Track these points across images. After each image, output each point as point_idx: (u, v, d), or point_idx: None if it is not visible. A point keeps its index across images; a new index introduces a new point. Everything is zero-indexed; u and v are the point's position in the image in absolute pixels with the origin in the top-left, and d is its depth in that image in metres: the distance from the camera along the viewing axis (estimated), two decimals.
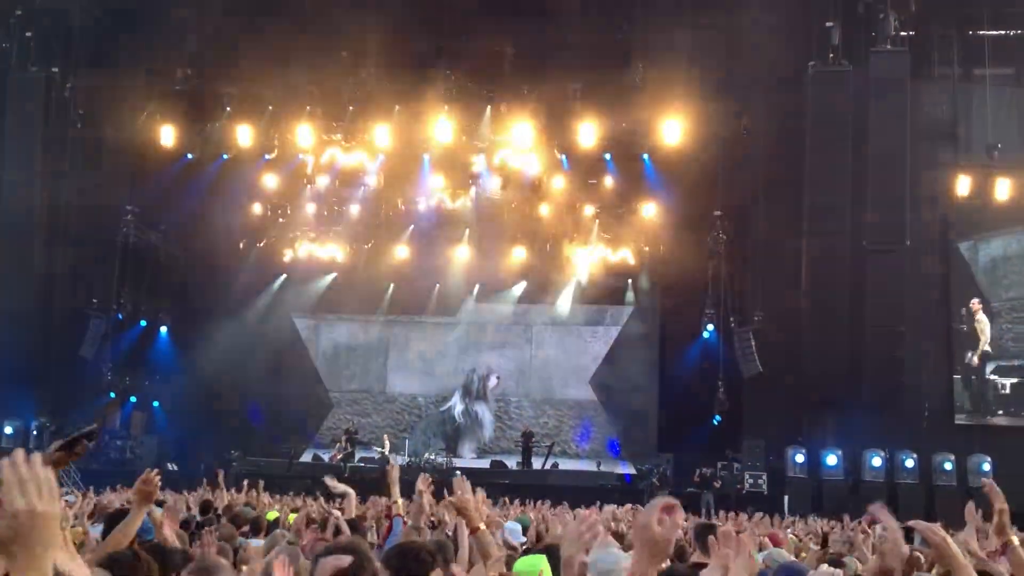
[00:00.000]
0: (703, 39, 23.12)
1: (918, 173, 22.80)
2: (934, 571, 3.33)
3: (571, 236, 28.45)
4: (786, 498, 21.99)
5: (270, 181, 27.73)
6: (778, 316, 23.26)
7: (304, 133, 25.66)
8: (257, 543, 6.61)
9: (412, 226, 29.24)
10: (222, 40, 24.68)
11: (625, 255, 28.56)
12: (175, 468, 23.57)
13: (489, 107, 25.38)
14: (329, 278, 30.63)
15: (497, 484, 22.89)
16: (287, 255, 30.12)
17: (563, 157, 26.32)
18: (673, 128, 23.79)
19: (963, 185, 23.00)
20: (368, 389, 31.18)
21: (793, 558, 6.71)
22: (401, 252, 29.32)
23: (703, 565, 5.56)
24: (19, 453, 1.80)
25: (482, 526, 4.52)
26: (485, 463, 27.22)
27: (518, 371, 30.56)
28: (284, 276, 30.56)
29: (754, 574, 2.61)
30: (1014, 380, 23.13)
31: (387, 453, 26.29)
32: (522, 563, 3.62)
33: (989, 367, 23.25)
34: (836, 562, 4.99)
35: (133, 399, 27.36)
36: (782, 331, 23.03)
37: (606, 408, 29.63)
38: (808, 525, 15.03)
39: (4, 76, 25.50)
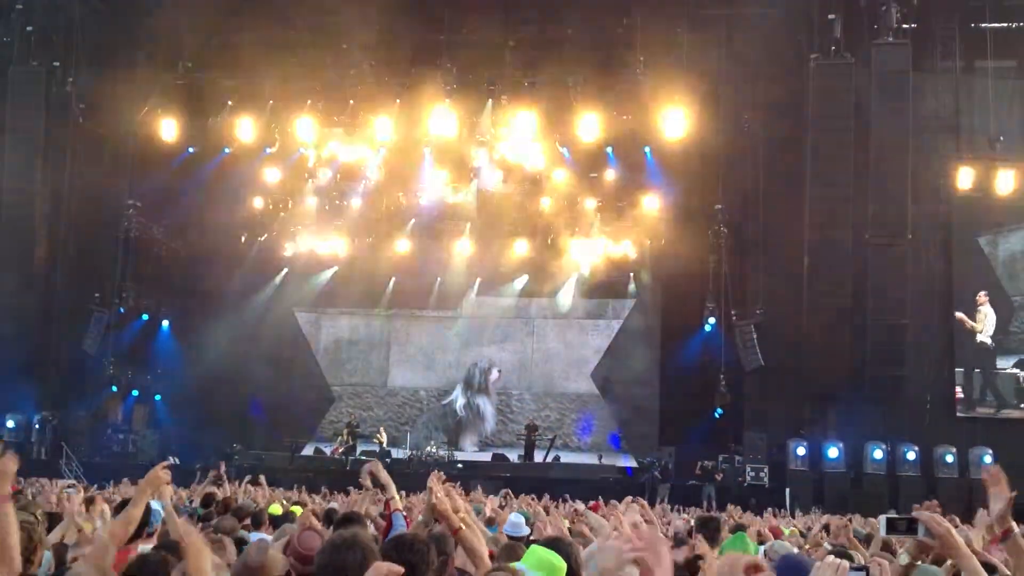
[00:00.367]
0: (704, 32, 23.10)
1: (920, 166, 22.78)
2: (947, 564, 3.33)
3: (572, 229, 28.43)
4: (787, 491, 22.01)
5: (271, 175, 27.73)
6: (779, 309, 23.27)
7: (305, 127, 25.64)
8: (259, 536, 6.60)
9: (413, 220, 29.23)
10: (223, 34, 24.69)
11: (626, 248, 28.54)
12: (176, 462, 23.60)
13: (490, 100, 25.35)
14: (330, 272, 30.63)
15: (498, 477, 22.94)
16: (288, 249, 30.12)
17: (564, 150, 26.32)
18: (674, 121, 23.75)
19: (965, 177, 22.98)
20: (369, 383, 31.20)
21: (795, 550, 6.73)
22: (402, 246, 29.31)
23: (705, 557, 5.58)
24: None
25: (463, 527, 4.50)
26: (486, 456, 27.26)
27: (519, 364, 30.56)
28: (285, 270, 30.57)
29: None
30: None
31: (385, 446, 26.31)
32: (534, 558, 3.60)
33: (1010, 361, 23.20)
34: (842, 554, 5.00)
35: (135, 393, 27.39)
36: (783, 324, 23.05)
37: (607, 401, 29.63)
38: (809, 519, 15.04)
39: (5, 70, 25.49)
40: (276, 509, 9.48)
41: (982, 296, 23.25)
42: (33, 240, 25.30)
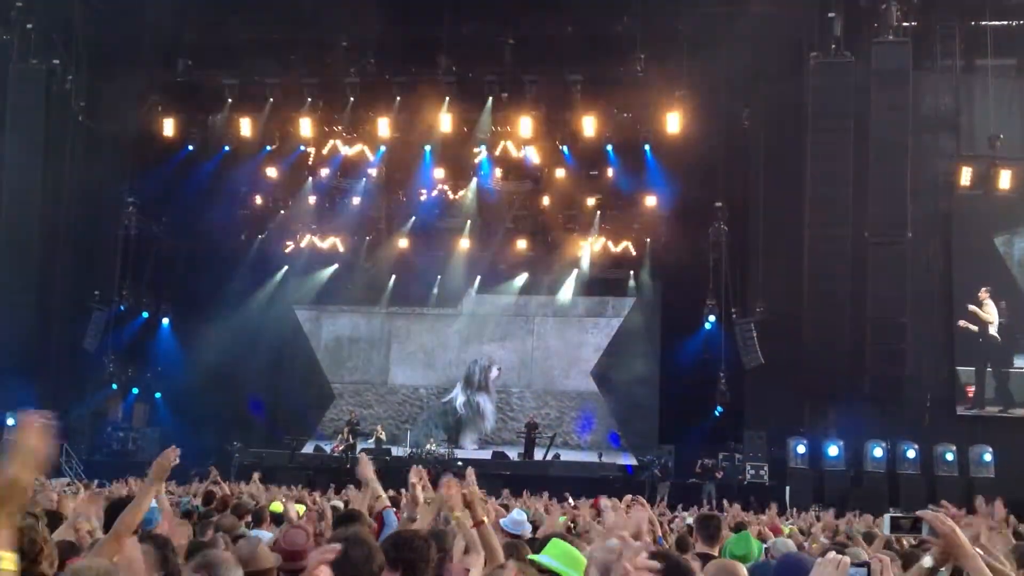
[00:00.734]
0: (704, 30, 23.06)
1: (920, 164, 22.75)
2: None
3: (572, 227, 28.45)
4: (787, 489, 22.01)
5: (271, 173, 27.73)
6: (779, 307, 23.25)
7: (305, 125, 25.64)
8: (260, 533, 6.61)
9: (413, 218, 29.23)
10: (223, 32, 24.67)
11: (626, 246, 28.57)
12: (177, 460, 23.57)
13: (490, 98, 25.34)
14: (330, 270, 30.63)
15: (498, 475, 22.95)
16: (289, 247, 30.12)
17: (564, 148, 26.31)
18: (674, 119, 23.76)
19: (965, 176, 22.98)
20: (370, 380, 31.21)
21: (795, 548, 6.73)
22: (402, 243, 29.32)
23: (707, 556, 5.59)
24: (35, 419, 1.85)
25: (486, 520, 4.51)
26: (486, 454, 27.26)
27: (520, 362, 30.58)
28: (286, 268, 30.57)
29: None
30: None
31: (384, 443, 26.29)
32: (557, 550, 3.60)
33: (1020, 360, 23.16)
34: (841, 550, 5.00)
35: (135, 391, 27.40)
36: (784, 322, 23.03)
37: (607, 399, 29.65)
38: (808, 517, 15.03)
39: (5, 68, 25.45)
40: (277, 507, 9.49)
41: (983, 292, 23.21)
42: (33, 238, 25.27)
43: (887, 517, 3.49)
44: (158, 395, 27.90)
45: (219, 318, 27.14)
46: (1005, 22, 23.72)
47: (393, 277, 30.19)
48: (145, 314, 27.63)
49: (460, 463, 24.61)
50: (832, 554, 2.83)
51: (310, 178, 28.51)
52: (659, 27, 23.56)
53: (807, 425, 23.07)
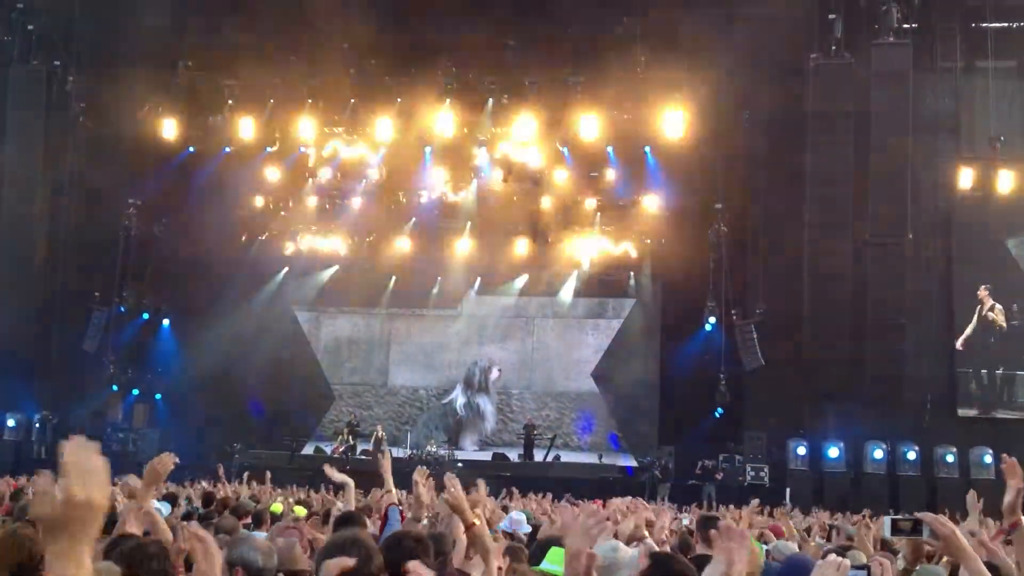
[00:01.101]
0: (704, 31, 23.07)
1: (920, 165, 22.79)
2: (943, 561, 3.32)
3: (573, 228, 28.42)
4: (788, 490, 22.02)
5: (272, 174, 27.69)
6: (780, 309, 23.27)
7: (305, 126, 25.63)
8: (260, 535, 6.60)
9: (414, 219, 29.21)
10: (223, 33, 24.67)
11: (627, 248, 28.54)
12: (177, 460, 23.57)
13: (491, 100, 25.34)
14: (331, 271, 30.62)
15: (499, 476, 22.95)
16: (289, 248, 30.09)
17: (565, 150, 26.30)
18: (675, 120, 23.76)
19: (965, 178, 22.98)
20: (370, 382, 31.21)
21: (797, 549, 6.73)
22: (403, 245, 29.29)
23: (707, 557, 5.58)
24: (79, 439, 1.80)
25: (477, 522, 4.50)
26: (487, 455, 27.26)
27: (520, 363, 30.58)
28: (286, 269, 30.55)
29: (757, 566, 2.64)
30: None
31: (384, 444, 26.28)
32: (560, 556, 3.61)
33: None
34: (841, 553, 5.00)
35: (135, 392, 27.37)
36: (784, 324, 23.05)
37: (607, 401, 29.64)
38: (809, 518, 15.04)
39: (5, 70, 25.50)
40: (277, 508, 9.49)
41: (983, 290, 23.20)
42: (33, 239, 25.31)
43: (887, 519, 3.49)
44: (158, 396, 27.87)
45: (219, 319, 27.13)
46: (1005, 24, 23.73)
47: (393, 278, 30.17)
48: (145, 315, 27.62)
49: (460, 464, 24.62)
50: (833, 556, 2.84)
51: (310, 179, 28.48)
52: (659, 28, 23.55)
53: (807, 426, 23.08)
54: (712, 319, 25.57)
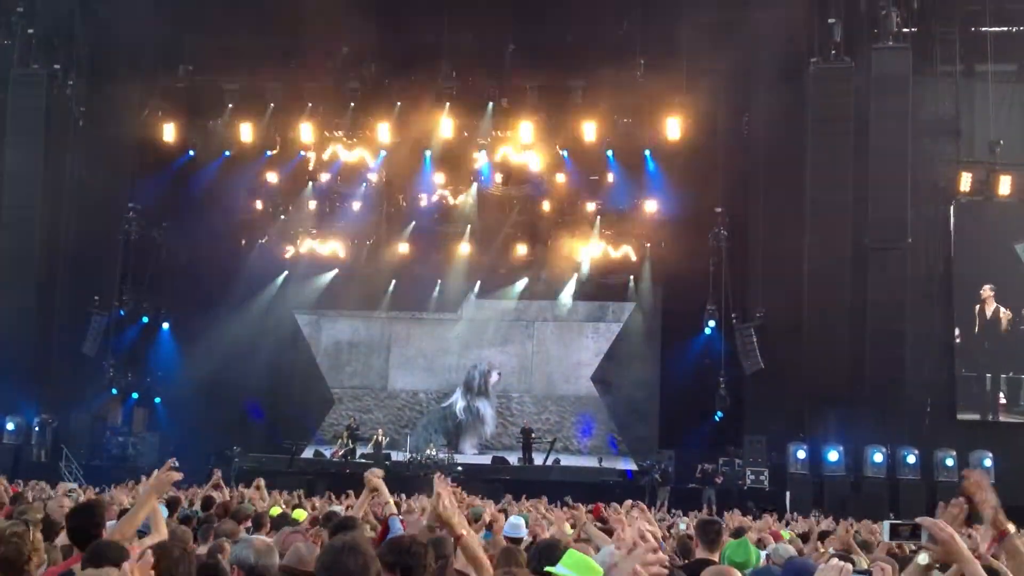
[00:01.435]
0: (705, 35, 23.09)
1: (920, 170, 22.77)
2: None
3: (573, 232, 28.43)
4: (788, 494, 22.01)
5: (272, 178, 27.76)
6: (780, 312, 23.26)
7: (306, 130, 25.68)
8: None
9: (414, 222, 29.22)
10: (224, 37, 24.69)
11: (626, 251, 28.57)
12: (176, 464, 23.56)
13: (491, 103, 25.38)
14: (331, 274, 30.62)
15: (498, 480, 22.94)
16: (289, 251, 30.12)
17: (564, 153, 26.32)
18: (675, 125, 23.79)
19: (965, 181, 22.99)
20: (370, 385, 31.19)
21: (795, 553, 6.73)
22: (403, 248, 29.32)
23: (707, 562, 5.58)
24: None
25: (465, 532, 4.48)
26: (487, 459, 27.26)
27: (520, 367, 30.57)
28: (286, 272, 30.56)
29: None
30: None
31: (383, 446, 26.26)
32: (573, 559, 3.61)
33: None
34: (844, 558, 5.01)
35: (135, 395, 27.35)
36: (784, 327, 23.03)
37: (607, 404, 29.64)
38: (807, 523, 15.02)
39: (6, 74, 25.49)
40: (276, 511, 9.48)
41: (987, 289, 23.16)
42: (33, 243, 25.28)
43: (886, 524, 3.48)
44: (158, 400, 27.86)
45: (219, 323, 27.12)
46: (1005, 28, 23.73)
47: (393, 282, 30.17)
48: (145, 319, 27.62)
49: (460, 468, 24.62)
50: (835, 560, 2.83)
51: (310, 183, 28.51)
52: (659, 33, 23.58)
53: (807, 430, 23.06)
54: (712, 323, 25.57)
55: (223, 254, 28.46)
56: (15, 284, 25.09)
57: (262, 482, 12.34)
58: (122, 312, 26.43)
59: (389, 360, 31.28)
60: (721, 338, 25.23)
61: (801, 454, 22.76)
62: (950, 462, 22.12)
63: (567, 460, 27.45)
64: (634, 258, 28.72)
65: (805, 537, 10.19)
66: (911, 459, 22.27)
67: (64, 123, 25.63)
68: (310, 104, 25.59)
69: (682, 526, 11.50)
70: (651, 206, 26.93)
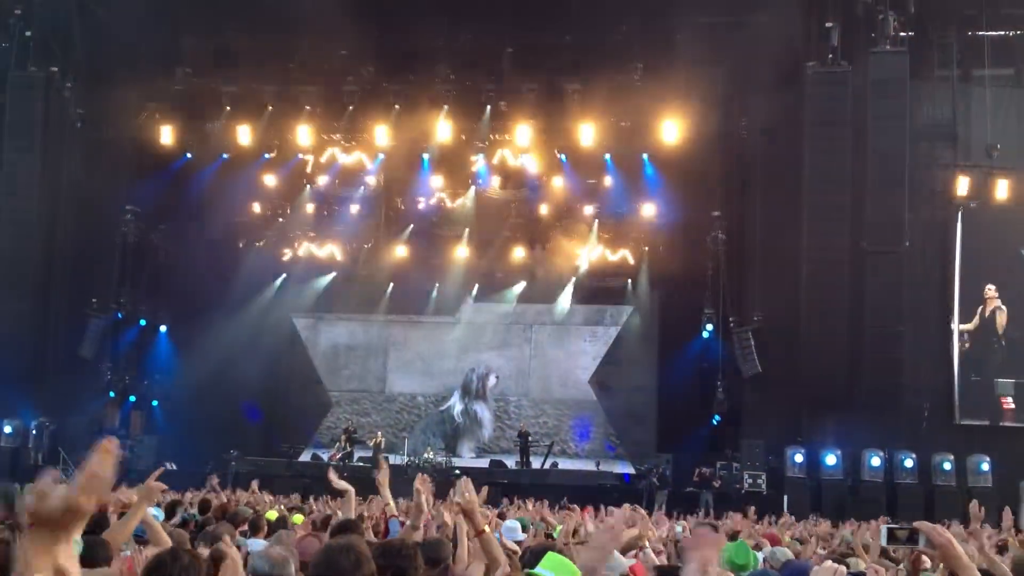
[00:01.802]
0: (702, 39, 23.11)
1: (917, 174, 22.79)
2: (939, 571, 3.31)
3: (570, 236, 28.45)
4: (785, 498, 21.99)
5: (269, 180, 27.75)
6: (777, 316, 23.27)
7: (304, 133, 25.67)
8: (255, 542, 6.60)
9: (411, 225, 29.24)
10: (221, 40, 24.70)
11: (624, 255, 28.59)
12: (173, 467, 23.57)
13: (489, 107, 25.37)
14: (328, 277, 30.61)
15: (496, 483, 22.91)
16: (286, 254, 30.11)
17: (563, 157, 26.33)
18: (672, 128, 23.80)
19: (963, 186, 23.02)
20: (367, 388, 31.18)
21: (793, 556, 6.73)
22: (400, 251, 29.32)
23: None
24: (115, 442, 1.86)
25: (487, 529, 4.50)
26: (484, 463, 27.24)
27: (517, 371, 30.57)
28: (283, 275, 30.55)
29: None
30: None
31: (383, 449, 26.25)
32: (552, 562, 3.61)
33: None
34: (839, 560, 5.01)
35: (132, 398, 27.34)
36: (781, 331, 23.04)
37: (605, 408, 29.64)
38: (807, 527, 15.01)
39: (3, 76, 25.46)
40: (272, 515, 9.47)
41: (990, 290, 23.16)
42: (31, 245, 25.26)
43: (883, 528, 3.49)
44: (155, 403, 27.84)
45: (217, 326, 27.11)
46: (1002, 32, 23.76)
47: (391, 285, 30.17)
48: (143, 322, 27.61)
49: (458, 471, 24.59)
50: (829, 563, 2.84)
51: (308, 186, 28.52)
52: (657, 36, 23.59)
53: (805, 434, 23.05)
54: (710, 326, 25.60)
55: (221, 257, 28.45)
56: (12, 286, 25.05)
57: (255, 484, 12.35)
58: (120, 315, 26.42)
59: (387, 363, 31.27)
60: (719, 342, 25.25)
61: (799, 458, 22.76)
62: (948, 466, 22.13)
63: (565, 464, 27.46)
64: (632, 262, 28.74)
65: (800, 540, 10.19)
66: (909, 463, 22.27)
67: (62, 125, 25.61)
68: (308, 107, 25.59)
69: (679, 529, 11.48)
70: (649, 210, 26.95)
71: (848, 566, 5.41)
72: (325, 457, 27.12)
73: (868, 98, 22.43)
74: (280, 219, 29.35)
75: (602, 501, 17.67)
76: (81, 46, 25.67)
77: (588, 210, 27.91)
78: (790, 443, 22.95)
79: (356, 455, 26.59)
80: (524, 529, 7.90)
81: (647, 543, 5.49)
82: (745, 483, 23.32)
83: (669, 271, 27.20)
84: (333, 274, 30.47)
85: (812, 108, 22.87)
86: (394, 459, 26.16)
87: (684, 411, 26.28)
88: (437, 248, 29.48)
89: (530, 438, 27.29)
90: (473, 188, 28.17)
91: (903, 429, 22.46)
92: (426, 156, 26.90)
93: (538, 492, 19.33)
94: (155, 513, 6.90)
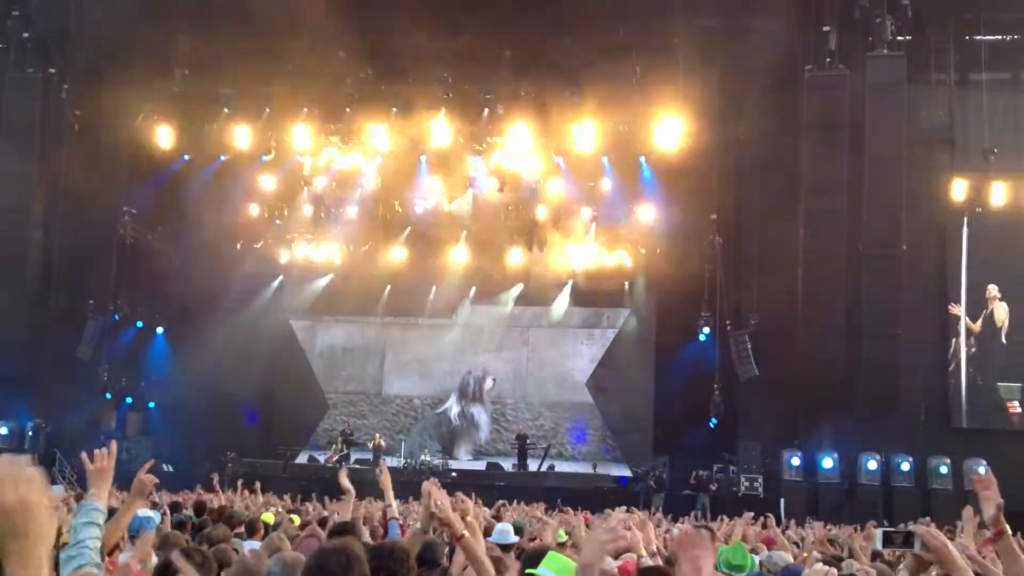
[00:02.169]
0: (700, 42, 23.15)
1: (914, 177, 22.81)
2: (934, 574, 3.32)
3: (568, 238, 28.45)
4: (782, 501, 21.99)
5: (267, 182, 27.73)
6: (774, 319, 23.29)
7: (301, 134, 25.65)
8: (251, 544, 6.59)
9: (409, 228, 29.24)
10: (219, 42, 24.66)
11: (621, 258, 28.60)
12: (170, 469, 23.53)
13: (486, 110, 25.35)
14: (326, 279, 30.61)
15: (493, 486, 22.90)
16: (284, 256, 30.12)
17: (560, 159, 26.33)
18: (670, 131, 23.81)
19: (959, 189, 23.05)
20: (364, 391, 31.17)
21: (791, 560, 6.73)
22: (398, 254, 29.33)
23: None
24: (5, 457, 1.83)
25: (466, 534, 4.48)
26: (481, 465, 27.24)
27: (514, 373, 30.58)
28: (281, 277, 30.56)
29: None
30: None
31: (382, 449, 26.24)
32: (555, 563, 3.61)
33: None
34: (831, 563, 5.02)
35: (129, 400, 27.33)
36: (778, 334, 23.06)
37: (602, 410, 29.65)
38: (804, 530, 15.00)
39: (1, 77, 25.46)
40: (268, 517, 9.46)
41: (992, 290, 23.16)
42: (28, 247, 25.25)
43: (879, 531, 3.49)
44: (152, 404, 27.84)
45: (214, 328, 27.09)
46: (999, 36, 23.82)
47: (388, 287, 30.18)
48: (139, 323, 27.59)
49: (454, 474, 24.60)
50: (819, 565, 2.84)
51: (305, 188, 28.50)
52: (655, 40, 23.61)
53: (801, 437, 23.06)
54: (706, 329, 25.61)
55: (218, 259, 28.41)
56: (9, 288, 25.04)
57: (259, 485, 12.36)
58: (116, 316, 26.39)
59: (384, 365, 31.27)
60: (716, 345, 25.27)
61: (796, 461, 22.77)
62: (944, 470, 22.15)
63: (561, 466, 27.45)
64: (629, 264, 28.75)
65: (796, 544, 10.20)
66: (905, 466, 22.29)
67: (59, 127, 25.60)
68: (305, 109, 25.56)
69: (675, 531, 11.48)
70: (646, 213, 26.93)
71: (841, 568, 5.42)
72: (321, 459, 27.11)
73: (865, 102, 22.48)
74: (277, 221, 29.33)
75: (599, 504, 17.69)
76: (78, 48, 25.66)
77: (585, 213, 27.92)
78: (787, 446, 22.97)
79: (353, 457, 26.57)
80: (518, 532, 7.89)
81: (643, 552, 5.47)
82: (742, 486, 23.35)
83: (666, 274, 27.20)
84: (330, 276, 30.48)
85: (809, 112, 22.92)
86: (390, 461, 26.12)
87: (681, 414, 26.29)
88: (434, 251, 29.47)
89: (527, 441, 27.29)
90: (470, 191, 28.15)
91: (899, 432, 22.48)
92: (423, 158, 26.89)
93: (535, 495, 19.32)
94: (150, 515, 6.90)
